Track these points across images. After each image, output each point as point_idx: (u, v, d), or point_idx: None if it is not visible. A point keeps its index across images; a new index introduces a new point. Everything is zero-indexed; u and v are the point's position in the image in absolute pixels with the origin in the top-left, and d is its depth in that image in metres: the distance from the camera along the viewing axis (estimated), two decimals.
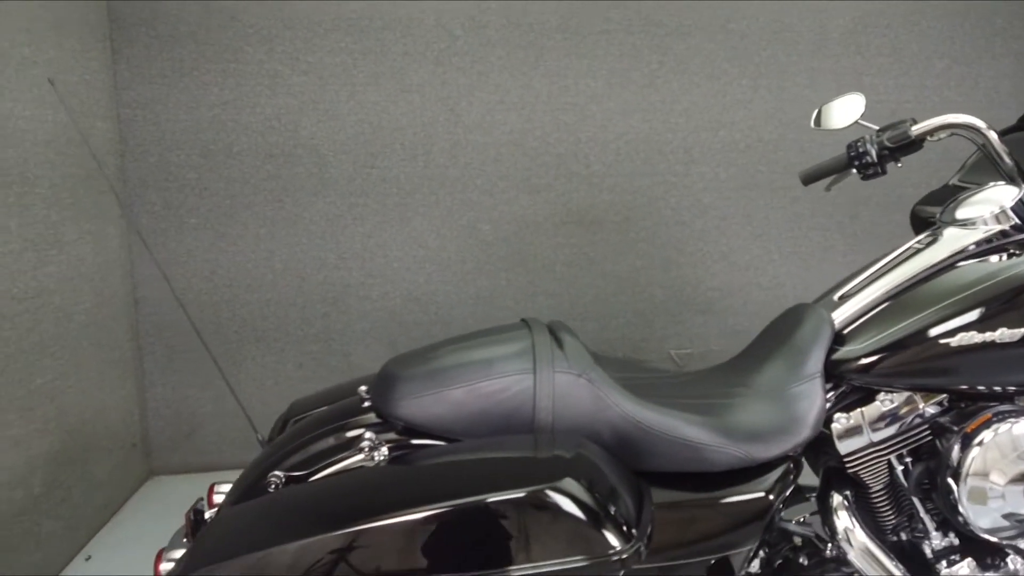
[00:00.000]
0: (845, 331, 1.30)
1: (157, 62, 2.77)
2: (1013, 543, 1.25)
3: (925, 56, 3.27)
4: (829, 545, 1.30)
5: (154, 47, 2.76)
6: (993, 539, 1.22)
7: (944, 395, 1.28)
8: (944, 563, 1.28)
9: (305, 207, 2.92)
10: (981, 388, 1.25)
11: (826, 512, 1.30)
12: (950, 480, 1.21)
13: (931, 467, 1.27)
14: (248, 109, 2.84)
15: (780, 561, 1.32)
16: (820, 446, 1.32)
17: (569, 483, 0.96)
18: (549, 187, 3.07)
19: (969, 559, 1.28)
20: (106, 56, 2.69)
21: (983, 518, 1.21)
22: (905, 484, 1.30)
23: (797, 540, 1.33)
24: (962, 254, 1.31)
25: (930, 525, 1.30)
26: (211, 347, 2.81)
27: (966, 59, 3.30)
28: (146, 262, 2.82)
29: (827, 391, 1.28)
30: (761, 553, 1.28)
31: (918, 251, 1.35)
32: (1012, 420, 1.20)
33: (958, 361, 1.22)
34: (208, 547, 0.95)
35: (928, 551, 1.30)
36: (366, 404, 1.21)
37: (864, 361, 1.25)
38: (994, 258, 1.29)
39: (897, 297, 1.30)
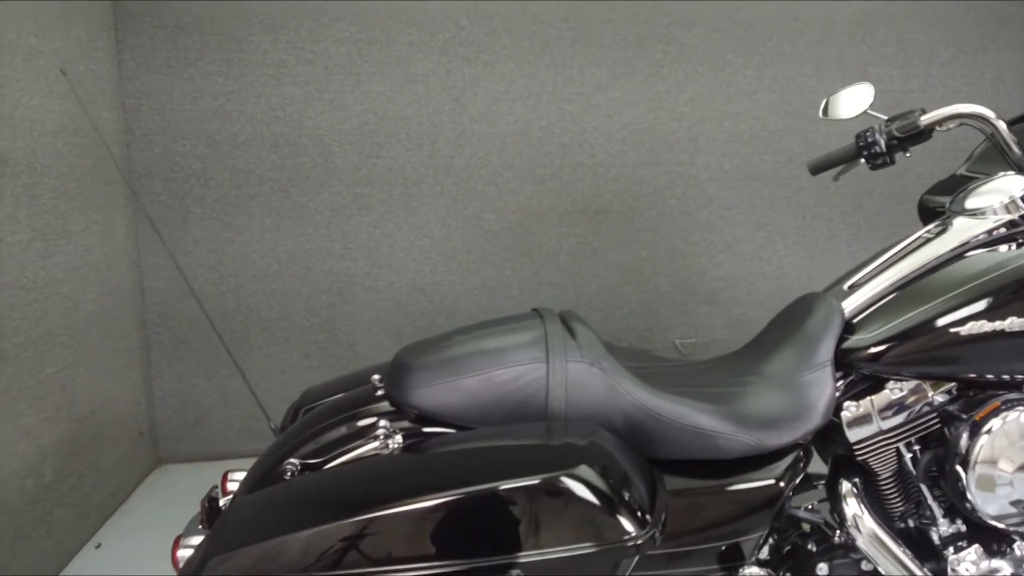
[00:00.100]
0: (855, 320, 1.31)
1: (162, 52, 2.76)
2: (1020, 529, 1.27)
3: (930, 46, 3.27)
4: (837, 532, 1.31)
5: (159, 37, 2.76)
6: (1000, 526, 1.24)
7: (953, 384, 1.29)
8: (951, 549, 1.29)
9: (310, 197, 2.92)
10: (990, 377, 1.25)
11: (835, 499, 1.31)
12: (958, 467, 1.22)
13: (939, 455, 1.28)
14: (253, 99, 2.84)
15: (789, 547, 1.33)
16: (829, 434, 1.33)
17: (584, 470, 0.97)
18: (554, 177, 3.07)
19: (976, 545, 1.29)
20: (111, 46, 2.68)
21: (991, 505, 1.22)
22: (913, 471, 1.32)
23: (806, 527, 1.34)
24: (971, 244, 1.31)
25: (938, 512, 1.32)
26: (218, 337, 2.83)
27: (971, 49, 3.30)
28: (153, 252, 2.83)
29: (837, 379, 1.29)
30: (770, 540, 1.29)
31: (928, 241, 1.35)
32: (1020, 408, 1.21)
33: (967, 350, 1.23)
34: (228, 533, 0.96)
35: (935, 537, 1.31)
36: (379, 393, 1.22)
37: (874, 350, 1.26)
38: (1003, 248, 1.30)
39: (907, 286, 1.31)
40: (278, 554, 0.92)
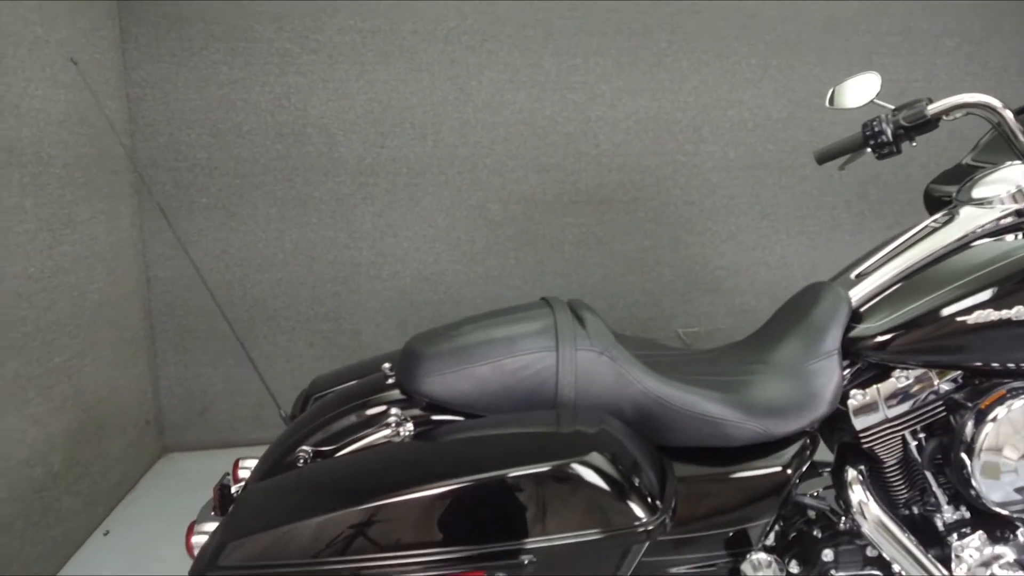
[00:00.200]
0: (862, 309, 1.32)
1: (166, 41, 2.76)
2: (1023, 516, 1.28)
3: (935, 35, 3.26)
4: (843, 518, 1.32)
5: (162, 26, 2.75)
6: (1004, 512, 1.25)
7: (959, 372, 1.30)
8: (955, 536, 1.31)
9: (315, 187, 2.92)
10: (996, 365, 1.26)
11: (840, 486, 1.32)
12: (964, 455, 1.23)
13: (945, 442, 1.29)
14: (257, 88, 2.84)
15: (795, 534, 1.34)
16: (835, 422, 1.34)
17: (595, 457, 0.99)
18: (558, 167, 3.07)
19: (980, 532, 1.30)
20: (115, 35, 2.68)
21: (995, 492, 1.23)
22: (919, 459, 1.33)
23: (811, 514, 1.35)
24: (978, 233, 1.32)
25: (942, 499, 1.33)
26: (223, 327, 2.84)
27: (976, 38, 3.29)
28: (159, 242, 2.84)
29: (844, 368, 1.30)
30: (777, 526, 1.30)
31: (935, 230, 1.36)
32: None
33: (974, 339, 1.23)
34: (242, 520, 0.98)
35: (940, 524, 1.33)
36: (390, 381, 1.23)
37: (881, 338, 1.26)
38: (1010, 237, 1.31)
39: (914, 276, 1.31)
40: (291, 540, 0.93)
